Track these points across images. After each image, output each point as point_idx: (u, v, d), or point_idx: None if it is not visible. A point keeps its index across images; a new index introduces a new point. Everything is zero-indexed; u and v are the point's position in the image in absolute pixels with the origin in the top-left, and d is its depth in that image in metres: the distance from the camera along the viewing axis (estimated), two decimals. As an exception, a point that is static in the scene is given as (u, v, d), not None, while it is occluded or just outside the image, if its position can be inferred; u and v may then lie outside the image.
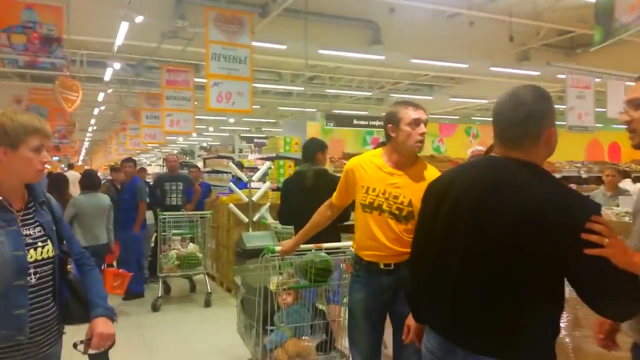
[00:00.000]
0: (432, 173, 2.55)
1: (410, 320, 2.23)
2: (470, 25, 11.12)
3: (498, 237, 1.52)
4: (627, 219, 3.02)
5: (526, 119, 1.56)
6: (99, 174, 7.69)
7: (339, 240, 3.81)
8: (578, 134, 8.69)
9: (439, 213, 1.70)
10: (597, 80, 8.29)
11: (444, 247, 1.67)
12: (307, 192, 3.95)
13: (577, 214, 1.46)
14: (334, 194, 2.85)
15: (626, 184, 6.57)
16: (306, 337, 3.10)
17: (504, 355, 1.52)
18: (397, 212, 2.49)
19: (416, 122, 2.49)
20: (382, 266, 2.54)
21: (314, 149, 4.23)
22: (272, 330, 3.05)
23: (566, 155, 9.66)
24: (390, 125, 2.55)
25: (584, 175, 8.90)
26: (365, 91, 16.06)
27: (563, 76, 12.10)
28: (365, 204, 2.57)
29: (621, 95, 7.39)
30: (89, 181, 5.69)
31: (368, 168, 2.62)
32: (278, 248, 2.97)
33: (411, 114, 2.49)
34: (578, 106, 6.90)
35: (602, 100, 8.61)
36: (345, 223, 4.36)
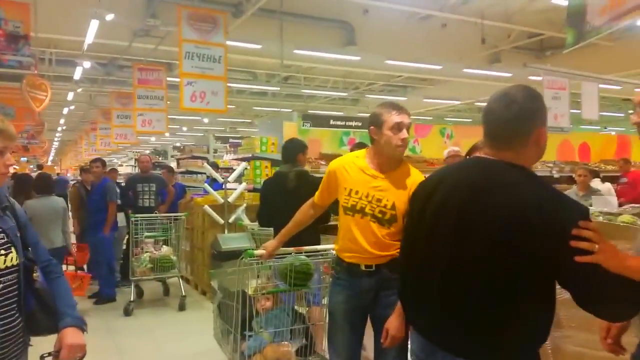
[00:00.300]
0: (416, 176, 2.52)
1: (389, 324, 2.22)
2: (443, 28, 11.25)
3: (484, 239, 1.50)
4: (600, 218, 3.06)
5: (517, 117, 1.57)
6: (69, 174, 7.47)
7: (319, 242, 3.78)
8: (550, 134, 8.82)
9: (424, 214, 1.69)
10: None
11: (429, 248, 1.67)
12: (289, 193, 3.89)
13: (565, 217, 1.44)
14: (317, 193, 2.82)
15: (595, 183, 6.70)
16: (285, 342, 3.04)
17: (482, 358, 1.51)
18: (380, 215, 2.46)
19: (398, 127, 2.45)
20: (363, 267, 2.50)
21: (294, 150, 4.18)
22: (250, 336, 2.99)
23: (538, 156, 9.78)
24: (373, 127, 2.53)
25: (556, 175, 9.06)
26: (340, 91, 16.08)
27: (535, 78, 12.38)
28: (347, 207, 2.54)
29: (595, 97, 7.55)
30: (42, 185, 5.71)
31: (350, 170, 2.59)
32: (259, 251, 2.90)
33: (394, 117, 2.45)
34: (554, 107, 7.01)
35: (575, 101, 8.80)
36: (327, 224, 4.33)
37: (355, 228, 2.51)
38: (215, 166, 8.32)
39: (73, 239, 6.53)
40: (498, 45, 12.09)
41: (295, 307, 3.22)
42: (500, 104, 1.60)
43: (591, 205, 4.19)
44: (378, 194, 2.47)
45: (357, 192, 2.52)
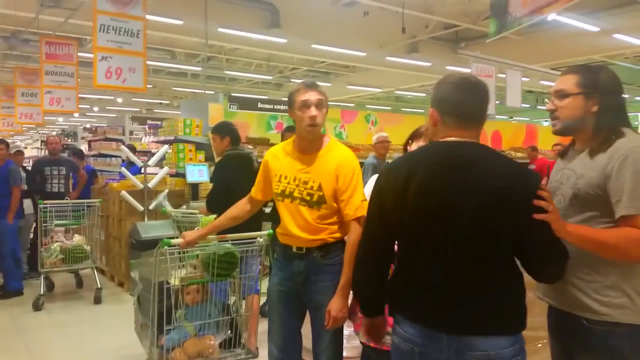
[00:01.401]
0: (341, 154, 2.46)
1: (330, 306, 2.29)
2: (365, 15, 11.38)
3: (475, 216, 1.58)
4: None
5: (484, 100, 1.73)
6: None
7: (260, 230, 3.67)
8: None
9: (404, 200, 1.67)
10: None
11: (418, 232, 1.68)
12: (254, 176, 3.85)
13: (532, 183, 1.62)
14: (253, 187, 2.72)
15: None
16: (209, 335, 2.92)
17: (487, 331, 1.59)
18: (308, 198, 2.41)
19: (305, 104, 2.37)
20: (294, 250, 2.48)
21: (238, 132, 4.12)
22: (169, 330, 2.83)
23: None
24: (289, 109, 2.50)
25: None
26: (265, 75, 15.86)
27: (452, 68, 12.88)
28: (278, 192, 2.50)
29: (519, 85, 7.97)
30: None
31: (281, 156, 2.54)
32: (177, 240, 2.74)
33: (301, 96, 2.38)
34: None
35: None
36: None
37: (285, 213, 2.48)
38: (132, 149, 7.91)
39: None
40: (417, 35, 12.42)
41: (230, 298, 3.10)
42: (471, 89, 1.72)
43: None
44: (304, 176, 2.43)
45: (285, 177, 2.48)
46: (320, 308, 2.42)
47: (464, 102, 1.70)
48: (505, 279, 1.64)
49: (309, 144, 2.46)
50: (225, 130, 4.16)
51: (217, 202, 3.92)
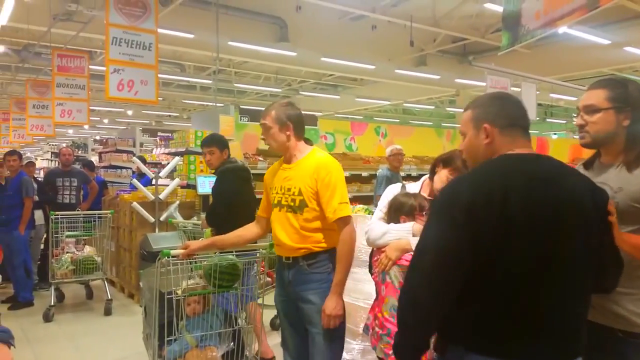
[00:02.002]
0: (318, 159, 2.56)
1: (324, 306, 2.39)
2: (373, 29, 11.46)
3: (581, 230, 1.51)
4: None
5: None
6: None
7: None
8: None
9: (506, 216, 1.43)
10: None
11: (530, 250, 1.45)
12: (252, 188, 4.14)
13: (605, 193, 1.63)
14: (259, 207, 2.86)
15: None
16: (211, 346, 2.90)
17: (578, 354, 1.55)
18: (292, 203, 2.54)
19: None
20: (284, 260, 2.59)
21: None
22: (171, 341, 2.81)
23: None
24: None
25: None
26: (274, 87, 15.94)
27: (461, 81, 12.89)
28: (273, 204, 2.66)
29: (534, 97, 7.94)
30: None
31: (274, 171, 2.74)
32: (177, 251, 2.72)
33: None
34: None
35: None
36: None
37: (276, 222, 2.61)
38: (142, 160, 7.95)
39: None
40: (424, 48, 12.47)
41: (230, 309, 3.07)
42: (521, 105, 1.68)
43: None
44: (287, 184, 2.58)
45: (274, 188, 2.65)
46: (311, 316, 2.50)
47: (522, 115, 1.65)
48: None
49: (287, 155, 2.64)
50: (224, 143, 4.16)
51: (219, 216, 3.96)
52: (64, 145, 12.58)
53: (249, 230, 2.83)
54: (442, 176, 2.42)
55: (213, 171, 4.22)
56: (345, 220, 2.47)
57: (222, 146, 4.11)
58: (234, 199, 3.93)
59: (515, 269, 1.42)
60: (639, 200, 1.73)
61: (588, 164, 1.97)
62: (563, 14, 3.63)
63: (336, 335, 2.49)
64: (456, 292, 1.45)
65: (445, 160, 2.46)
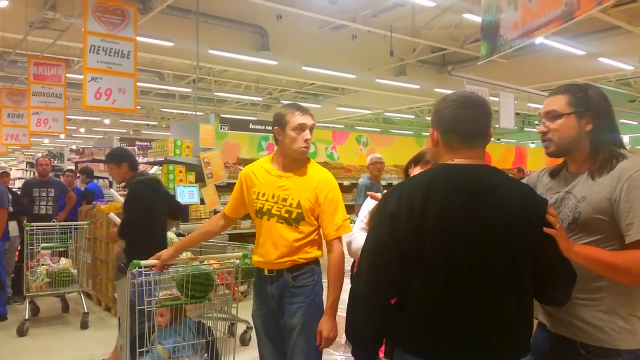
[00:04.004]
0: (321, 174, 2.53)
1: (320, 326, 2.34)
2: (354, 39, 11.54)
3: (502, 240, 1.53)
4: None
5: (486, 116, 1.67)
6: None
7: None
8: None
9: (423, 225, 1.52)
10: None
11: (443, 259, 1.53)
12: (165, 199, 4.09)
13: (543, 204, 1.63)
14: (228, 204, 2.75)
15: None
16: (184, 358, 2.84)
17: (520, 355, 1.59)
18: (286, 215, 2.44)
19: (301, 127, 2.46)
20: (266, 272, 2.50)
21: (133, 156, 4.25)
22: (142, 352, 2.75)
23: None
24: (277, 127, 2.53)
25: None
26: (255, 96, 15.91)
27: (440, 90, 13.03)
28: (256, 209, 2.53)
29: (512, 107, 8.04)
30: None
31: (258, 173, 2.58)
32: (148, 261, 2.65)
33: (297, 118, 2.46)
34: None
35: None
36: (239, 232, 4.21)
37: (262, 231, 2.51)
38: (88, 173, 7.88)
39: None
40: (404, 58, 12.59)
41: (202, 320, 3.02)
42: (487, 107, 1.66)
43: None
44: (283, 193, 2.47)
45: (264, 195, 2.51)
46: (292, 330, 2.45)
47: (465, 120, 1.61)
48: (529, 302, 1.61)
49: (292, 162, 2.52)
50: (118, 156, 4.06)
51: (133, 230, 3.86)
52: (40, 155, 12.34)
53: (215, 224, 2.76)
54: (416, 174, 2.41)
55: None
56: (341, 238, 2.46)
57: (118, 160, 4.00)
58: (148, 211, 3.87)
59: (432, 275, 1.52)
60: (601, 210, 1.66)
61: (554, 173, 1.94)
62: (540, 24, 3.69)
63: (318, 353, 2.46)
64: (391, 289, 1.60)
65: (415, 160, 2.46)
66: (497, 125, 8.30)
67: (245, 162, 7.21)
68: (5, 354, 4.66)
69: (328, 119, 19.70)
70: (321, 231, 2.52)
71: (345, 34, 11.36)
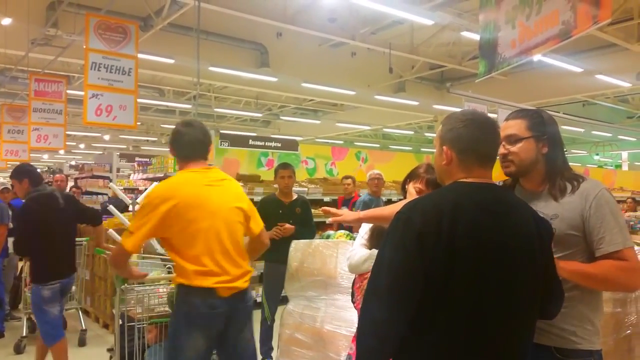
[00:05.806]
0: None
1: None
2: (353, 56, 11.65)
3: (526, 262, 1.54)
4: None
5: (499, 139, 1.74)
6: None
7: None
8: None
9: (451, 247, 1.46)
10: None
11: (474, 282, 1.47)
12: (60, 213, 4.06)
13: (548, 223, 1.69)
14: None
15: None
16: None
17: None
18: None
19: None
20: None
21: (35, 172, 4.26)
22: None
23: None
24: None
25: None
26: (255, 112, 15.99)
27: (439, 107, 13.11)
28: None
29: None
30: None
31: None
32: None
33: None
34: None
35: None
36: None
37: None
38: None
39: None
40: (403, 75, 12.69)
41: None
42: (486, 129, 1.62)
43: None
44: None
45: None
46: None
47: (484, 140, 1.61)
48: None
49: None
50: (20, 173, 4.08)
51: (32, 247, 3.90)
52: (38, 170, 12.32)
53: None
54: (411, 190, 2.39)
55: None
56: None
57: (19, 176, 4.04)
58: (38, 226, 3.88)
59: (460, 297, 1.45)
60: (574, 226, 1.80)
61: (509, 189, 2.01)
62: (537, 42, 3.73)
63: None
64: (412, 312, 1.46)
65: (410, 176, 2.47)
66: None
67: (244, 178, 7.21)
68: (2, 371, 4.63)
69: (327, 135, 19.79)
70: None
71: (345, 51, 11.48)
